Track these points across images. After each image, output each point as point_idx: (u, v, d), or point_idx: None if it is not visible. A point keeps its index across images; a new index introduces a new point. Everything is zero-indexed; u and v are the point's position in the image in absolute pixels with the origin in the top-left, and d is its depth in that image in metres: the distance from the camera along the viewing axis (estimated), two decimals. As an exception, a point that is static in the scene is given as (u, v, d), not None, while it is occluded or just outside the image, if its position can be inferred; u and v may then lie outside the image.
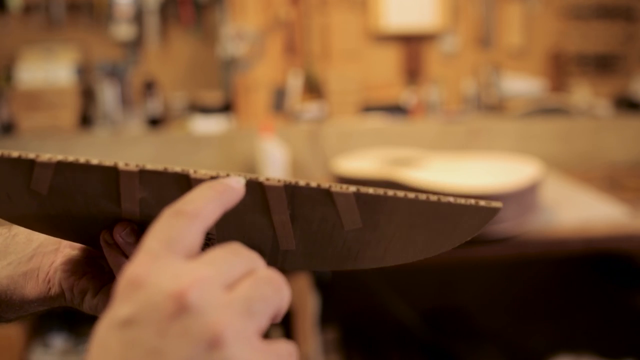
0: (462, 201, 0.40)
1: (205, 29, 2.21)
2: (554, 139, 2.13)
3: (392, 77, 2.22)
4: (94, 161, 0.38)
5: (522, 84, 2.20)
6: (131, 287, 0.29)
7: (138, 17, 2.14)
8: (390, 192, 0.39)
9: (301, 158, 2.05)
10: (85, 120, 2.10)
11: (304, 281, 1.44)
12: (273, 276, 0.33)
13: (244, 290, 0.31)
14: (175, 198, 0.35)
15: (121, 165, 0.38)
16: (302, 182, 0.39)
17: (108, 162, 0.38)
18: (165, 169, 0.38)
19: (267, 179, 0.39)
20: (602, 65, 2.27)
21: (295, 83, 2.12)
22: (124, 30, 2.12)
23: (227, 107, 2.15)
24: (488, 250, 1.39)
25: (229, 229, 0.41)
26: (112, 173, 0.39)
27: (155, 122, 2.13)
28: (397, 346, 2.03)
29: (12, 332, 1.65)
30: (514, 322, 2.21)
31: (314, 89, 2.16)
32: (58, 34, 2.14)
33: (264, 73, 2.13)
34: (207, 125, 2.07)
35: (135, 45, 2.18)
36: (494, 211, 0.41)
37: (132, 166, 0.38)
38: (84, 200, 0.40)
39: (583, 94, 2.22)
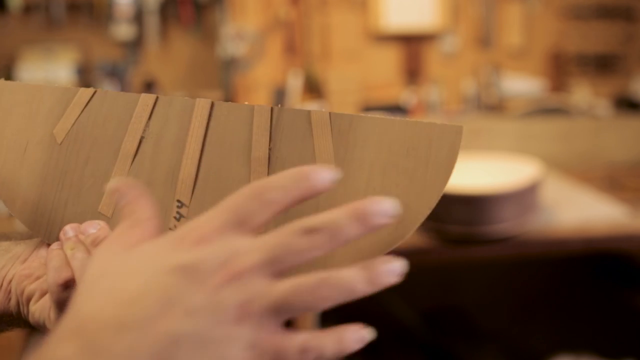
0: (426, 121, 0.41)
1: (205, 29, 2.21)
2: (554, 139, 2.13)
3: (392, 77, 2.22)
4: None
5: (522, 84, 2.20)
6: (196, 239, 0.31)
7: (138, 17, 2.14)
8: (362, 114, 0.42)
9: (301, 158, 2.05)
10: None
11: (304, 281, 1.44)
12: (317, 284, 0.32)
13: (285, 289, 0.31)
14: (173, 131, 0.41)
15: (145, 94, 0.44)
16: (286, 107, 0.42)
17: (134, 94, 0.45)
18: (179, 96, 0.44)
19: (258, 105, 0.43)
20: (602, 65, 2.27)
21: (295, 83, 2.12)
22: (124, 30, 2.12)
23: (227, 107, 2.15)
24: (488, 250, 1.39)
25: (204, 197, 0.42)
26: (135, 100, 0.44)
27: (155, 122, 2.13)
28: (397, 346, 2.03)
29: (12, 332, 1.65)
30: (514, 322, 2.21)
31: (314, 88, 2.16)
32: (58, 34, 2.15)
33: (264, 73, 2.13)
34: (207, 125, 2.07)
35: (135, 45, 2.18)
36: (459, 130, 0.41)
37: (152, 95, 0.44)
38: (114, 127, 0.44)
39: (583, 94, 2.22)
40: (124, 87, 2.16)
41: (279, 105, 0.43)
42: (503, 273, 2.22)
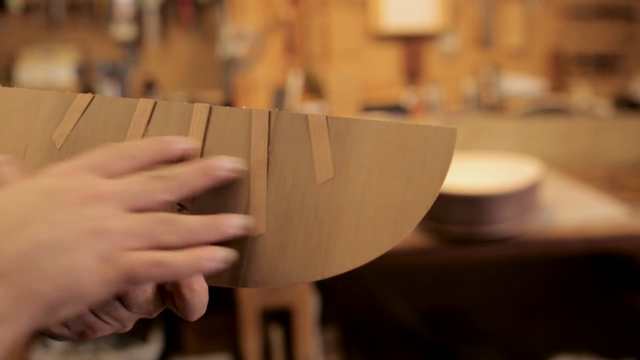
0: (421, 124, 0.42)
1: (205, 29, 2.21)
2: (554, 139, 2.13)
3: (392, 77, 2.22)
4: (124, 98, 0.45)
5: (522, 84, 2.20)
6: (57, 175, 0.36)
7: (138, 17, 2.14)
8: (358, 117, 0.42)
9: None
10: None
11: (304, 281, 1.44)
12: (174, 218, 0.37)
13: (148, 218, 0.36)
14: (172, 134, 0.42)
15: (143, 99, 0.44)
16: (284, 111, 0.43)
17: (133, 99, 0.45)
18: (175, 103, 0.44)
19: (256, 109, 0.43)
20: (602, 65, 2.27)
21: (295, 83, 2.12)
22: (124, 30, 2.12)
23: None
24: (488, 250, 1.39)
25: (204, 202, 0.42)
26: (134, 105, 0.44)
27: (155, 122, 2.13)
28: (397, 346, 2.03)
29: None
30: (514, 322, 2.21)
31: (314, 89, 2.16)
32: (58, 34, 2.15)
33: (264, 73, 2.13)
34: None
35: (135, 45, 2.18)
36: (453, 133, 0.41)
37: (151, 100, 0.44)
38: (113, 132, 0.44)
39: (583, 94, 2.22)
40: (124, 87, 2.16)
41: (277, 109, 0.43)
42: (503, 273, 2.22)
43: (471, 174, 1.46)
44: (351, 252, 0.41)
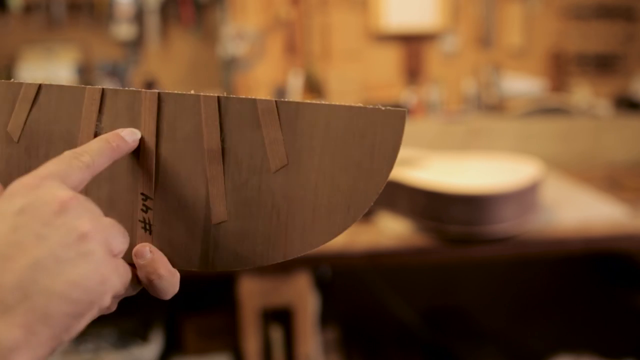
0: (371, 106, 0.43)
1: (206, 29, 2.21)
2: (554, 139, 2.13)
3: (392, 77, 2.22)
4: (68, 84, 0.44)
5: (522, 84, 2.20)
6: (26, 188, 0.37)
7: (138, 17, 2.14)
8: (307, 101, 0.42)
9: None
10: (86, 120, 2.10)
11: (304, 281, 1.44)
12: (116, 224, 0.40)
13: (108, 220, 0.39)
14: (125, 124, 0.42)
15: (89, 87, 0.43)
16: (233, 96, 0.42)
17: (79, 86, 0.44)
18: (123, 89, 0.43)
19: (205, 94, 0.43)
20: (602, 65, 2.27)
21: (295, 83, 2.12)
22: (124, 30, 2.12)
23: (227, 107, 2.15)
24: (488, 250, 1.39)
25: (167, 192, 0.43)
26: (81, 93, 0.43)
27: (155, 122, 2.13)
28: (397, 346, 2.03)
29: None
30: (514, 322, 2.21)
31: (314, 88, 2.16)
32: (58, 34, 2.15)
33: (264, 73, 2.13)
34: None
35: (136, 44, 2.18)
36: (402, 114, 0.42)
37: (98, 88, 0.43)
38: (66, 123, 0.44)
39: (583, 93, 2.22)
40: (124, 86, 2.16)
41: (225, 94, 0.43)
42: (503, 273, 2.22)
43: (471, 174, 1.46)
44: (309, 236, 0.43)
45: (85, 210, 0.37)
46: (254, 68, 2.12)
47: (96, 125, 0.44)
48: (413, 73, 2.22)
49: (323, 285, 1.77)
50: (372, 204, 0.43)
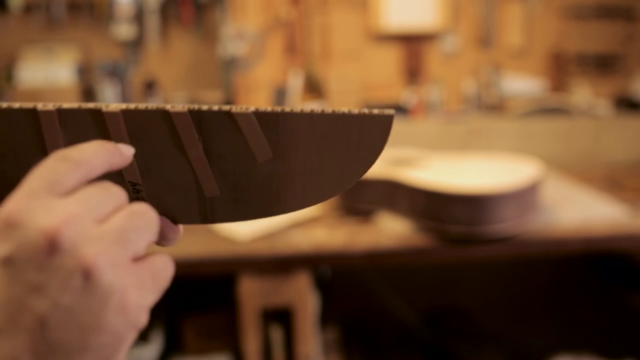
0: (356, 111, 0.42)
1: (206, 29, 2.21)
2: (554, 139, 2.13)
3: (392, 76, 2.22)
4: (16, 105, 0.38)
5: (522, 84, 2.20)
6: (7, 227, 0.31)
7: (138, 17, 2.14)
8: (287, 109, 0.41)
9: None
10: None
11: (304, 281, 1.44)
12: (143, 208, 0.35)
13: (116, 222, 0.33)
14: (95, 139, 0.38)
15: (39, 106, 0.38)
16: (205, 107, 0.41)
17: (28, 104, 0.38)
18: (80, 106, 0.39)
19: (172, 106, 0.40)
20: (602, 65, 2.27)
21: (295, 83, 2.12)
22: (124, 30, 2.12)
23: (227, 107, 2.15)
24: (488, 250, 1.39)
25: (154, 179, 0.42)
26: (33, 115, 0.38)
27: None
28: (397, 346, 2.03)
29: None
30: (514, 322, 2.21)
31: (314, 88, 2.16)
32: (59, 34, 2.15)
33: (264, 73, 2.13)
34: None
35: (136, 44, 2.18)
36: (389, 118, 0.42)
37: (50, 106, 0.38)
38: (15, 157, 0.40)
39: (583, 93, 2.22)
40: (124, 86, 2.16)
41: (197, 106, 0.41)
42: (503, 273, 2.22)
43: (471, 174, 1.46)
44: (302, 200, 0.44)
45: (81, 231, 0.31)
46: (254, 68, 2.12)
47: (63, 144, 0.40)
48: (413, 73, 2.22)
49: (323, 285, 1.77)
50: (360, 178, 0.44)
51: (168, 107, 0.40)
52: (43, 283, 0.30)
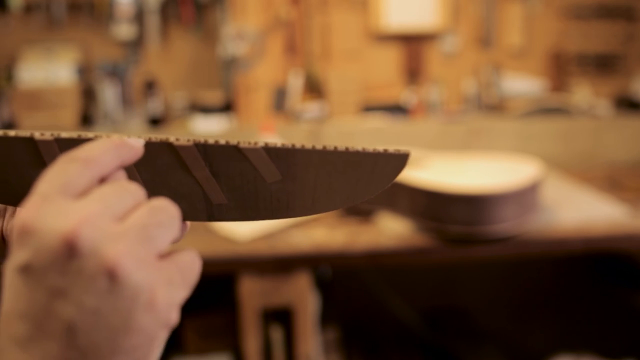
0: (371, 150, 0.41)
1: (206, 29, 2.21)
2: (554, 139, 2.13)
3: (392, 77, 2.22)
4: (11, 133, 0.38)
5: (522, 84, 2.20)
6: (24, 233, 0.30)
7: (139, 17, 2.14)
8: (299, 145, 0.41)
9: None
10: (86, 120, 2.11)
11: (304, 281, 1.44)
12: (164, 204, 0.34)
13: (137, 219, 0.32)
14: None
15: (37, 135, 0.38)
16: (211, 140, 0.40)
17: (24, 132, 0.38)
18: (79, 135, 0.38)
19: (177, 139, 0.40)
20: (603, 65, 2.27)
21: (295, 83, 2.13)
22: (124, 30, 2.12)
23: (227, 107, 2.15)
24: (488, 250, 1.39)
25: (159, 190, 0.42)
26: (31, 143, 0.38)
27: (155, 122, 2.13)
28: (397, 346, 2.03)
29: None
30: (514, 322, 2.21)
31: (314, 88, 2.16)
32: (59, 34, 2.15)
33: (264, 73, 2.13)
34: (208, 125, 2.08)
35: (136, 44, 2.18)
36: (405, 157, 0.42)
37: (48, 135, 0.38)
38: (17, 172, 0.39)
39: (583, 93, 2.22)
40: (124, 87, 2.16)
41: (204, 141, 0.41)
42: (503, 273, 2.22)
43: (471, 174, 1.46)
44: (310, 211, 0.44)
45: (100, 231, 0.30)
46: (254, 68, 2.12)
47: None
48: (413, 73, 2.22)
49: (323, 285, 1.77)
50: (372, 196, 0.44)
51: (172, 139, 0.40)
52: (66, 287, 0.30)
